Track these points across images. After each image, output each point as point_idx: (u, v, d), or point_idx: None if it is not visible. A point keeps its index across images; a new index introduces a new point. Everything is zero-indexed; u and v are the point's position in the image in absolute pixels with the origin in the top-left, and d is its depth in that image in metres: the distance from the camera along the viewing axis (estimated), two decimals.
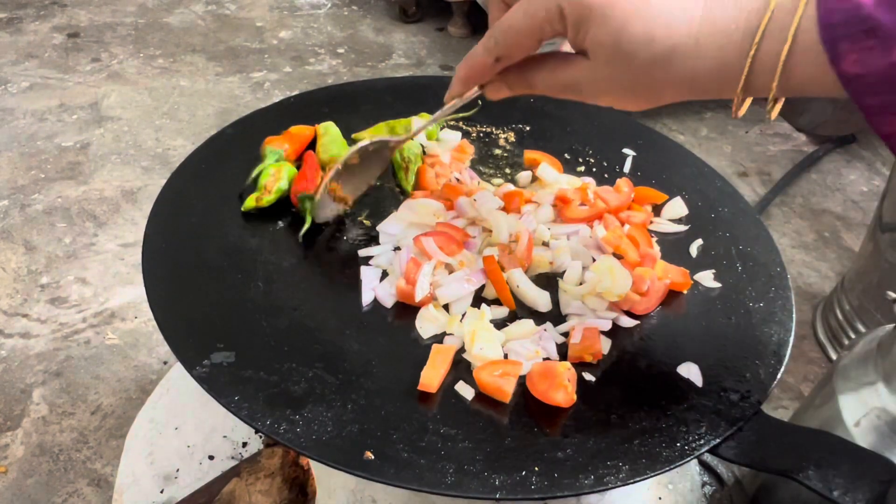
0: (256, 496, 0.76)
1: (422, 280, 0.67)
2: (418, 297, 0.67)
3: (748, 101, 0.50)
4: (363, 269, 0.71)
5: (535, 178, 0.84)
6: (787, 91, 0.46)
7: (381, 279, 0.70)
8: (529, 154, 0.88)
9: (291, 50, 2.45)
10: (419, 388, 0.59)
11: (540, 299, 0.69)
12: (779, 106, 0.49)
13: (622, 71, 0.49)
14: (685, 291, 0.72)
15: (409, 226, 0.75)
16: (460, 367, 0.62)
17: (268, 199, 0.77)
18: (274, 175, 0.78)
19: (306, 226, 0.75)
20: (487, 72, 0.58)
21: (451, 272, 0.71)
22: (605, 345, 0.65)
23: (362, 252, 0.74)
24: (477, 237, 0.74)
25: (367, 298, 0.68)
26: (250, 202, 0.77)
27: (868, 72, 0.41)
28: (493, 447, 0.55)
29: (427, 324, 0.66)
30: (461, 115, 0.94)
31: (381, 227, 0.76)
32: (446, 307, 0.68)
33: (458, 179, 0.83)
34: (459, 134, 0.92)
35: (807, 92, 0.46)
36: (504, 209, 0.77)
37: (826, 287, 1.60)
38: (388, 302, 0.68)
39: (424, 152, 0.88)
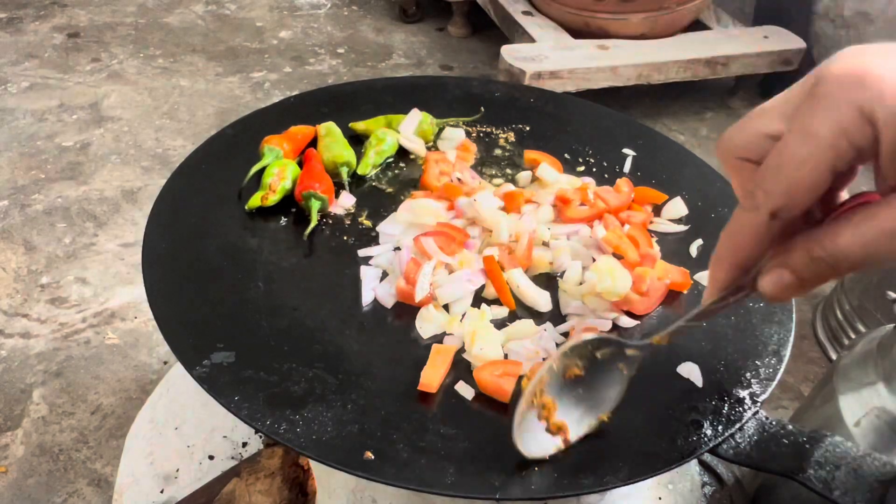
0: (256, 496, 0.76)
1: (422, 280, 0.67)
2: (418, 298, 0.67)
3: None
4: (363, 268, 0.71)
5: (535, 178, 0.84)
6: None
7: (382, 279, 0.70)
8: (529, 154, 0.88)
9: (291, 50, 2.45)
10: (419, 388, 0.59)
11: (540, 299, 0.69)
12: None
13: None
14: (685, 291, 0.72)
15: (409, 226, 0.75)
16: (460, 367, 0.62)
17: (273, 198, 0.77)
18: (278, 174, 0.78)
19: (311, 225, 0.75)
20: (762, 240, 0.41)
21: (451, 272, 0.71)
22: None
23: (362, 252, 0.74)
24: (477, 237, 0.74)
25: (367, 298, 0.68)
26: (255, 201, 0.77)
27: None
28: (493, 447, 0.55)
29: (427, 324, 0.66)
30: (464, 118, 0.94)
31: (380, 228, 0.76)
32: (446, 307, 0.68)
33: (459, 179, 0.84)
34: (463, 132, 0.92)
35: None
36: (504, 209, 0.77)
37: (826, 287, 1.60)
38: (389, 302, 0.68)
39: (433, 148, 0.89)
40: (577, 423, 0.54)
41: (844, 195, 0.43)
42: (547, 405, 0.53)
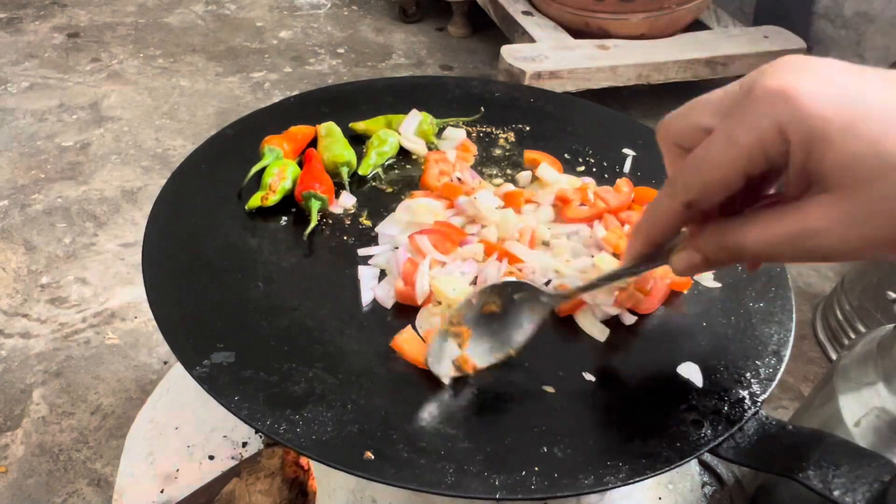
0: (256, 496, 0.76)
1: (420, 280, 0.67)
2: (420, 299, 0.67)
3: None
4: (360, 268, 0.71)
5: (535, 178, 0.84)
6: None
7: (380, 279, 0.70)
8: (529, 154, 0.88)
9: (291, 50, 2.46)
10: (391, 346, 0.62)
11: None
12: None
13: (887, 197, 0.35)
14: (685, 291, 0.72)
15: (408, 225, 0.75)
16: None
17: (273, 198, 0.77)
18: (278, 174, 0.78)
19: (311, 225, 0.75)
20: (674, 224, 0.46)
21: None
22: (603, 333, 0.66)
23: (362, 252, 0.74)
24: (475, 235, 0.74)
25: (366, 298, 0.68)
26: (255, 201, 0.77)
27: None
28: (493, 447, 0.55)
29: (427, 324, 0.66)
30: (464, 118, 0.94)
31: (379, 228, 0.76)
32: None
33: (459, 179, 0.84)
34: (464, 131, 0.92)
35: None
36: (504, 209, 0.78)
37: (826, 287, 1.60)
38: (388, 303, 0.68)
39: (433, 148, 0.89)
40: (486, 354, 0.60)
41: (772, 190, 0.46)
42: (463, 333, 0.59)
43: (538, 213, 0.78)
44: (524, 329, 0.60)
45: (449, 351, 0.59)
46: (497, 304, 0.59)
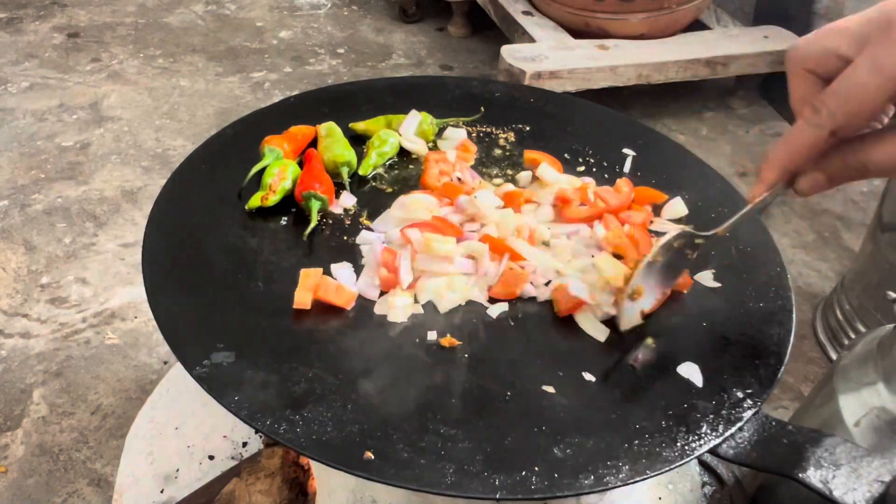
0: (256, 496, 0.76)
1: (404, 265, 0.68)
2: (405, 284, 0.68)
3: None
4: (333, 267, 0.71)
5: (535, 178, 0.84)
6: None
7: (358, 276, 0.71)
8: (529, 154, 0.88)
9: (291, 50, 2.45)
10: (294, 306, 0.65)
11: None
12: None
13: None
14: (685, 291, 0.72)
15: (403, 222, 0.76)
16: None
17: (273, 198, 0.77)
18: (279, 174, 0.78)
19: (312, 225, 0.75)
20: (815, 152, 0.48)
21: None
22: (603, 333, 0.66)
23: (359, 239, 0.75)
24: (475, 233, 0.74)
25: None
26: (255, 201, 0.77)
27: None
28: (493, 447, 0.55)
29: (395, 311, 0.67)
30: (464, 118, 0.94)
31: (375, 225, 0.76)
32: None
33: (459, 179, 0.84)
34: (464, 131, 0.92)
35: None
36: (504, 209, 0.78)
37: (826, 287, 1.60)
38: (373, 294, 0.68)
39: (433, 148, 0.89)
40: (652, 299, 0.68)
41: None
42: (637, 290, 0.66)
43: (538, 213, 0.79)
44: (680, 269, 0.68)
45: (629, 308, 0.66)
46: (661, 256, 0.65)
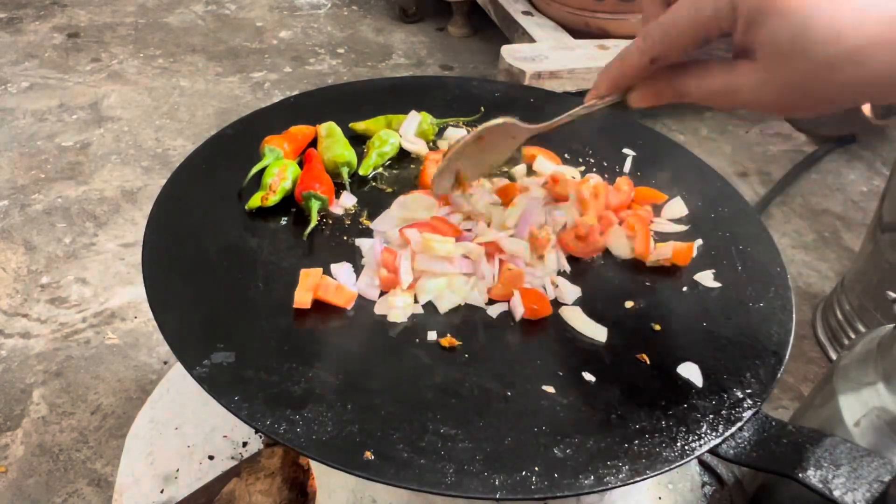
0: (256, 496, 0.77)
1: (404, 265, 0.68)
2: (405, 284, 0.67)
3: None
4: (333, 266, 0.71)
5: (531, 173, 0.85)
6: None
7: (358, 276, 0.71)
8: (528, 150, 0.88)
9: (291, 50, 2.46)
10: (294, 306, 0.65)
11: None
12: None
13: (795, 73, 0.44)
14: (686, 265, 0.73)
15: (402, 221, 0.76)
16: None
17: (273, 198, 0.77)
18: (279, 174, 0.78)
19: (311, 225, 0.75)
20: (639, 74, 0.54)
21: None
22: (602, 334, 0.66)
23: (359, 241, 0.74)
24: (473, 230, 0.74)
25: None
26: (255, 201, 0.77)
27: None
28: (493, 447, 0.55)
29: (396, 311, 0.67)
30: (464, 118, 0.94)
31: (374, 225, 0.76)
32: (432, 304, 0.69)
33: None
34: (464, 131, 0.92)
35: None
36: (502, 204, 0.78)
37: (826, 287, 1.60)
38: (373, 294, 0.68)
39: (433, 148, 0.89)
40: (475, 171, 0.75)
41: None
42: (460, 173, 0.73)
43: (531, 194, 0.79)
44: (503, 153, 0.75)
45: (448, 174, 0.73)
46: (484, 136, 0.70)
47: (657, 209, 0.82)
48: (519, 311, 0.67)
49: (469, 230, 0.74)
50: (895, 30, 0.41)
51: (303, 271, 0.68)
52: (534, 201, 0.77)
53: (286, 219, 0.77)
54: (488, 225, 0.75)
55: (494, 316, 0.68)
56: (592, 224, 0.74)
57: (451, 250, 0.69)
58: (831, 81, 0.43)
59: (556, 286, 0.70)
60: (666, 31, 0.49)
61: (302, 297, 0.66)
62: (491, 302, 0.70)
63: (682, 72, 0.53)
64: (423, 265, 0.69)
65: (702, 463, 0.94)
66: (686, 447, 0.56)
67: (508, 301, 0.69)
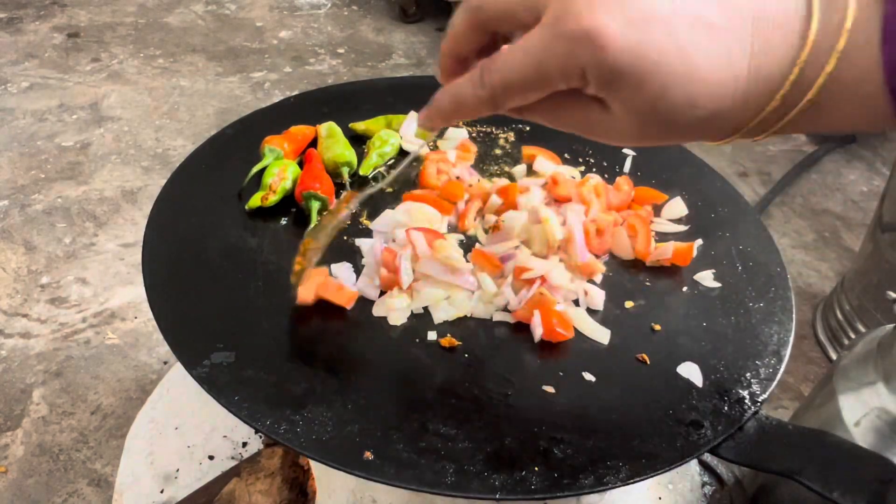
0: (256, 496, 0.77)
1: (405, 265, 0.67)
2: (405, 284, 0.67)
3: None
4: (333, 266, 0.71)
5: (532, 173, 0.85)
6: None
7: (358, 276, 0.71)
8: (528, 150, 0.88)
9: (291, 50, 2.46)
10: (297, 301, 0.65)
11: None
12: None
13: (650, 128, 0.43)
14: (685, 265, 0.73)
15: (405, 225, 0.75)
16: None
17: (273, 198, 0.77)
18: (279, 174, 0.78)
19: (311, 225, 0.75)
20: (479, 112, 0.49)
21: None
22: (604, 335, 0.66)
23: (358, 241, 0.74)
24: (515, 255, 0.73)
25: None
26: (255, 201, 0.77)
27: None
28: (493, 447, 0.55)
29: (395, 313, 0.66)
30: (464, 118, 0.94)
31: (374, 225, 0.76)
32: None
33: (458, 177, 0.84)
34: (465, 131, 0.92)
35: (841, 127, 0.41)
36: (503, 205, 0.78)
37: (826, 287, 1.60)
38: (373, 294, 0.68)
39: (434, 148, 0.89)
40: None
41: None
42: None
43: (530, 195, 0.78)
44: None
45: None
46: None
47: (657, 209, 0.82)
48: (538, 333, 0.65)
49: (511, 255, 0.72)
50: (748, 92, 0.40)
51: (307, 271, 0.68)
52: (575, 215, 0.75)
53: (286, 219, 0.77)
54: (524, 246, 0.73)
55: (496, 320, 0.68)
56: (611, 220, 0.74)
57: (457, 261, 0.68)
58: (685, 135, 0.43)
59: (587, 293, 0.70)
60: (506, 79, 0.44)
61: (305, 293, 0.66)
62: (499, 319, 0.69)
63: (533, 105, 0.47)
64: (425, 269, 0.69)
65: (702, 463, 0.94)
66: (686, 447, 0.56)
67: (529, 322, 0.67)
